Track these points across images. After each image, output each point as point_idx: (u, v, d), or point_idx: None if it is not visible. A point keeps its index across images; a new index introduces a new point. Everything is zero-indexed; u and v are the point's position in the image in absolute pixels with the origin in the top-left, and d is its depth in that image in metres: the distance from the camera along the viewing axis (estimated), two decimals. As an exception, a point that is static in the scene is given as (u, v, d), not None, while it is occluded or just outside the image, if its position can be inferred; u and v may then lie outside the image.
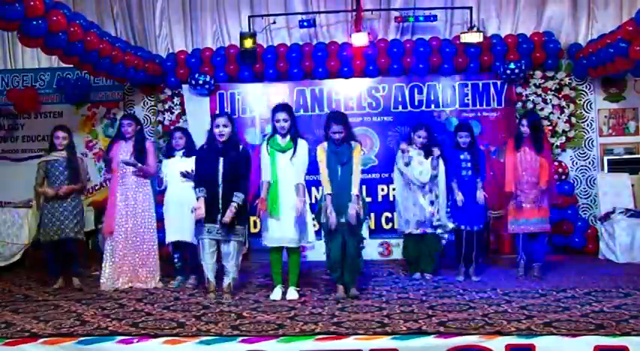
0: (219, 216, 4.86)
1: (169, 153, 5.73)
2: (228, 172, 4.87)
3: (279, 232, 4.93)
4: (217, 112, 7.34)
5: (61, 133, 5.68)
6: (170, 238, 5.59)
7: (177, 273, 5.72)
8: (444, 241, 5.83)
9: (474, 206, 5.60)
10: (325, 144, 4.99)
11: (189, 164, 5.44)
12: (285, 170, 4.93)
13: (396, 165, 5.90)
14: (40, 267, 6.93)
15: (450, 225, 5.66)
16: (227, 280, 5.04)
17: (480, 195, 5.59)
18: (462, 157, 5.67)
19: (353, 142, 4.96)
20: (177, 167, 5.57)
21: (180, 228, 5.49)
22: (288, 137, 4.97)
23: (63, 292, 5.46)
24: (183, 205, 5.38)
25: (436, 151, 5.73)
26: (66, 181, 5.58)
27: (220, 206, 4.86)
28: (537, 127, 5.69)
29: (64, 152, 5.66)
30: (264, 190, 4.94)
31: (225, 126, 4.93)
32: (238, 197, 4.85)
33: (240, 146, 5.06)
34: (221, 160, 4.90)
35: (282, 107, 5.07)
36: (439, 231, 5.75)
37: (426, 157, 5.75)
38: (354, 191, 4.84)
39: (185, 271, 5.73)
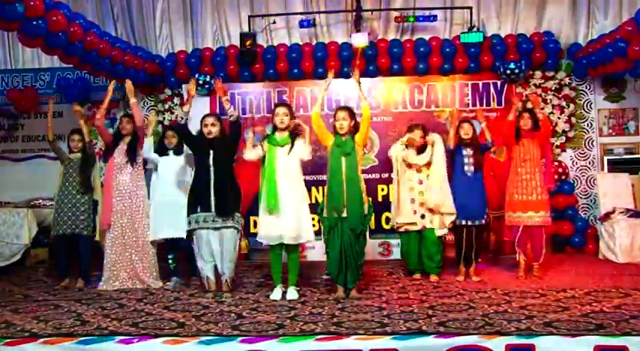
0: (212, 204, 4.91)
1: (162, 151, 5.73)
2: (219, 163, 4.99)
3: (278, 229, 4.94)
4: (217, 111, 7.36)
5: (75, 136, 5.86)
6: (160, 235, 5.58)
7: (172, 274, 5.71)
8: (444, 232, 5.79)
9: (475, 201, 5.60)
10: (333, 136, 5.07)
11: (181, 162, 5.62)
12: (283, 166, 4.96)
13: (394, 157, 5.92)
14: (43, 265, 6.99)
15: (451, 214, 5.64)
16: (224, 278, 5.06)
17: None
18: (464, 152, 5.66)
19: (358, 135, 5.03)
20: (169, 165, 5.61)
21: (171, 225, 5.48)
22: (286, 133, 5.03)
23: (63, 291, 5.46)
24: (175, 204, 5.39)
25: (434, 138, 5.75)
26: (77, 186, 5.71)
27: (212, 196, 4.93)
28: (535, 117, 5.74)
29: (79, 155, 5.83)
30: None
31: (213, 125, 5.06)
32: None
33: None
34: (211, 152, 5.01)
35: (282, 104, 5.26)
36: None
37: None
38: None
39: (180, 271, 5.73)
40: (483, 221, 5.69)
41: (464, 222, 5.61)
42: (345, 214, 4.88)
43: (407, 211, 5.77)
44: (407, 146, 5.82)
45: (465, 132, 5.66)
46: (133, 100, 5.64)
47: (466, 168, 5.64)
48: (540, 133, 5.68)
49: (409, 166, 5.81)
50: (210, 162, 5.00)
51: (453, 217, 5.61)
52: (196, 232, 5.03)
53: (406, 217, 5.78)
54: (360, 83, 5.15)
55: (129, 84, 5.65)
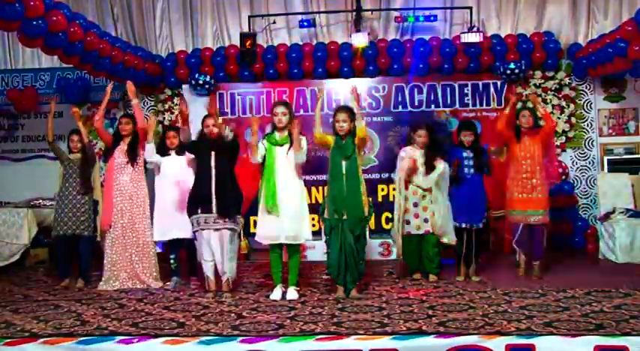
0: (213, 206, 4.91)
1: (163, 152, 5.72)
2: (220, 165, 4.98)
3: (276, 229, 4.94)
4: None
5: (75, 137, 5.86)
6: (165, 236, 5.58)
7: (172, 273, 5.71)
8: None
9: (475, 204, 5.60)
10: (333, 136, 5.02)
11: (183, 162, 5.57)
12: (283, 165, 4.95)
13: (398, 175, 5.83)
14: (43, 265, 6.99)
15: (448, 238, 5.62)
16: (225, 278, 5.07)
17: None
18: (464, 155, 5.66)
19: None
20: (171, 166, 5.59)
21: (175, 225, 5.49)
22: (286, 132, 5.01)
23: (63, 291, 5.46)
24: (178, 204, 5.40)
25: (439, 163, 5.64)
26: (77, 186, 5.71)
27: (214, 197, 4.92)
28: (536, 115, 5.74)
29: (78, 155, 5.83)
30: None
31: (214, 126, 5.04)
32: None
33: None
34: (213, 153, 5.00)
35: (281, 102, 5.23)
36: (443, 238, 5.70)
37: (428, 168, 5.64)
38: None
39: (181, 271, 5.73)
40: (481, 225, 5.68)
41: (463, 225, 5.62)
42: (345, 217, 4.88)
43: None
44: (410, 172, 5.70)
45: (467, 140, 5.65)
46: (135, 102, 5.63)
47: (466, 170, 5.63)
48: (544, 130, 5.66)
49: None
50: (212, 163, 4.99)
51: (451, 244, 5.63)
52: (197, 233, 5.05)
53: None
54: (358, 101, 5.08)
55: (130, 85, 5.62)
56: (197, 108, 7.76)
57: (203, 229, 4.99)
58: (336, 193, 4.92)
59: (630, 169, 7.44)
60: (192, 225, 5.05)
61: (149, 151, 5.53)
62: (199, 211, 4.97)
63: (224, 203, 4.94)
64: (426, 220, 5.68)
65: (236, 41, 7.90)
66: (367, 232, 5.34)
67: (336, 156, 4.96)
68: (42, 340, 3.66)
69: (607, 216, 6.94)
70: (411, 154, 5.72)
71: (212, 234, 4.99)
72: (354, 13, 7.74)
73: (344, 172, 4.91)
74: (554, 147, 6.64)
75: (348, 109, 5.07)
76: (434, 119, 7.62)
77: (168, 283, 5.59)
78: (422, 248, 5.76)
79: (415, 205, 5.70)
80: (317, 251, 6.61)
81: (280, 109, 5.03)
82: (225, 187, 4.97)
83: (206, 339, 3.62)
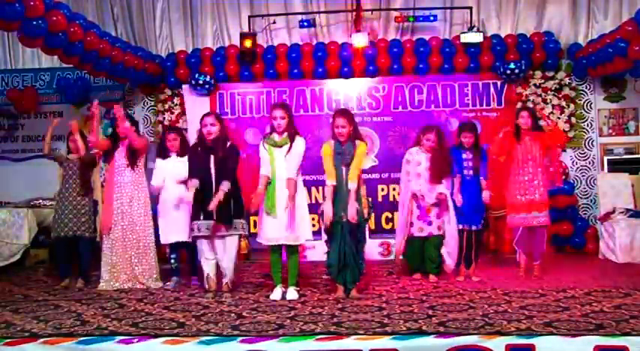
0: (214, 214, 4.90)
1: (164, 154, 5.72)
2: (219, 169, 4.96)
3: (276, 230, 4.93)
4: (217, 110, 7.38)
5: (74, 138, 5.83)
6: (169, 239, 5.59)
7: (172, 273, 5.71)
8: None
9: (474, 206, 5.59)
10: (332, 142, 4.97)
11: (184, 164, 5.47)
12: (282, 167, 4.93)
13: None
14: (43, 265, 6.99)
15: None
16: (225, 280, 5.07)
17: (486, 195, 5.58)
18: (464, 156, 5.66)
19: (358, 141, 4.94)
20: (172, 168, 5.57)
21: (178, 228, 5.49)
22: (285, 134, 4.98)
23: (63, 291, 5.47)
24: (178, 205, 5.39)
25: (441, 188, 5.63)
26: (77, 188, 5.72)
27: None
28: (535, 116, 5.74)
29: (77, 155, 5.82)
30: (262, 183, 4.93)
31: (212, 125, 5.02)
32: (224, 185, 4.90)
33: (229, 143, 5.12)
34: (212, 157, 4.98)
35: (279, 105, 5.13)
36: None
37: (432, 175, 5.62)
38: (350, 186, 4.80)
39: (181, 272, 5.73)
40: (480, 226, 5.68)
41: (461, 226, 5.62)
42: (344, 219, 4.87)
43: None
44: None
45: (467, 142, 5.64)
46: (126, 125, 5.56)
47: (465, 172, 5.63)
48: (548, 139, 5.65)
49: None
50: (212, 166, 4.97)
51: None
52: (198, 238, 5.05)
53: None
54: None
55: (118, 110, 5.57)
56: (197, 107, 7.78)
57: (205, 236, 4.99)
58: (336, 199, 4.88)
59: (630, 169, 7.45)
60: (192, 230, 5.05)
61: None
62: (202, 217, 4.97)
63: (225, 211, 4.93)
64: (429, 223, 5.68)
65: (236, 41, 7.91)
66: (367, 233, 5.33)
67: (337, 162, 4.89)
68: (42, 340, 3.66)
69: (607, 216, 6.94)
70: (417, 159, 5.73)
71: (215, 239, 4.99)
72: (354, 13, 7.74)
73: (344, 177, 4.87)
74: (558, 154, 6.62)
75: (346, 114, 5.01)
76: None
77: (168, 284, 5.59)
78: (425, 249, 5.76)
79: (419, 207, 5.70)
80: (317, 251, 6.60)
81: (279, 114, 4.96)
82: (227, 192, 4.93)
83: (206, 339, 3.62)
